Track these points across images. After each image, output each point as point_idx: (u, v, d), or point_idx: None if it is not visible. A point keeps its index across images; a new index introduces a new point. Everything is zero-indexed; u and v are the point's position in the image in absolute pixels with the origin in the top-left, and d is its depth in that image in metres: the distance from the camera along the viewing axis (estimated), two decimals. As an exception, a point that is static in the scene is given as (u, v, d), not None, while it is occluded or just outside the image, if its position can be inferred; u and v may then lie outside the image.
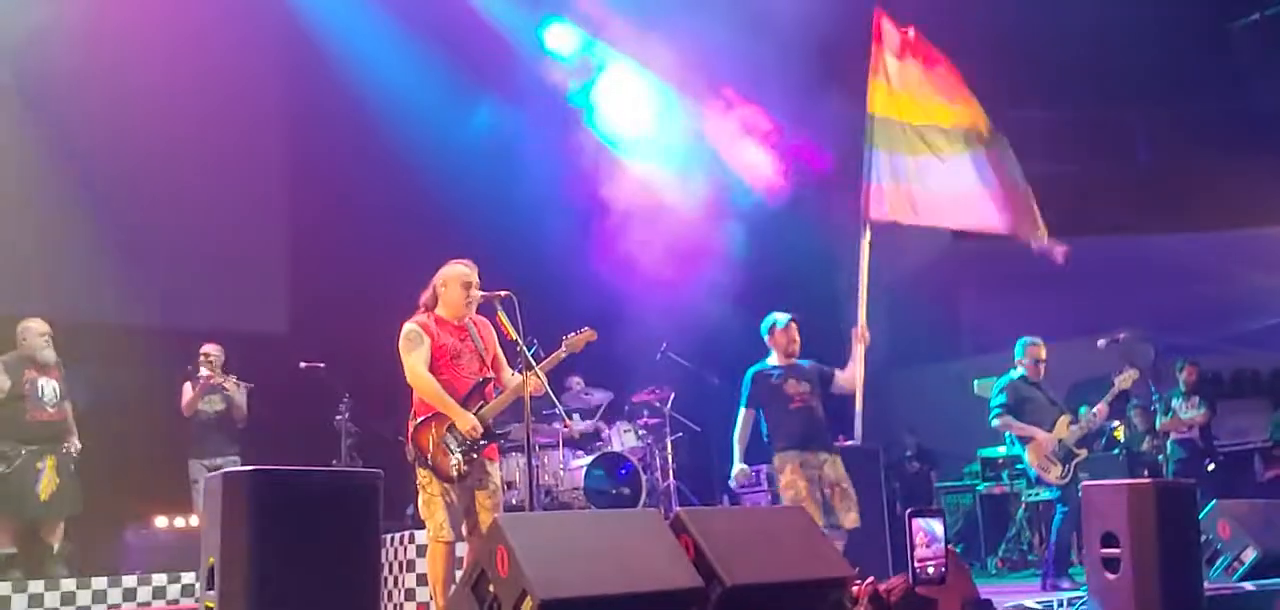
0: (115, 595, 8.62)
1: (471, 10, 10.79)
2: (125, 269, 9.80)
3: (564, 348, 6.62)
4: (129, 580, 8.72)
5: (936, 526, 4.30)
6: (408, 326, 6.44)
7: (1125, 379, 8.45)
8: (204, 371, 9.30)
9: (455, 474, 6.27)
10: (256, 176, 10.88)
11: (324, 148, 10.87)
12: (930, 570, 4.24)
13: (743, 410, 8.00)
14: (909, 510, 4.31)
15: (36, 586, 8.33)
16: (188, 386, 9.35)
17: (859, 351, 7.87)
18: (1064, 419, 8.44)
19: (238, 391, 9.47)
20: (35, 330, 8.68)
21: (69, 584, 8.45)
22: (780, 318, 8.06)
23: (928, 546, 4.26)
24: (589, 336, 6.68)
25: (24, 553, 8.63)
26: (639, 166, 11.42)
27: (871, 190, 8.48)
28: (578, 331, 6.65)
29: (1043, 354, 8.65)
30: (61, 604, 8.40)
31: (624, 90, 11.57)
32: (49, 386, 8.69)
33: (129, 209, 9.72)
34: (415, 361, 6.35)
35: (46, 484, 8.56)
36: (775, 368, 7.99)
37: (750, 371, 8.08)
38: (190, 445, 9.34)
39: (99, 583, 8.57)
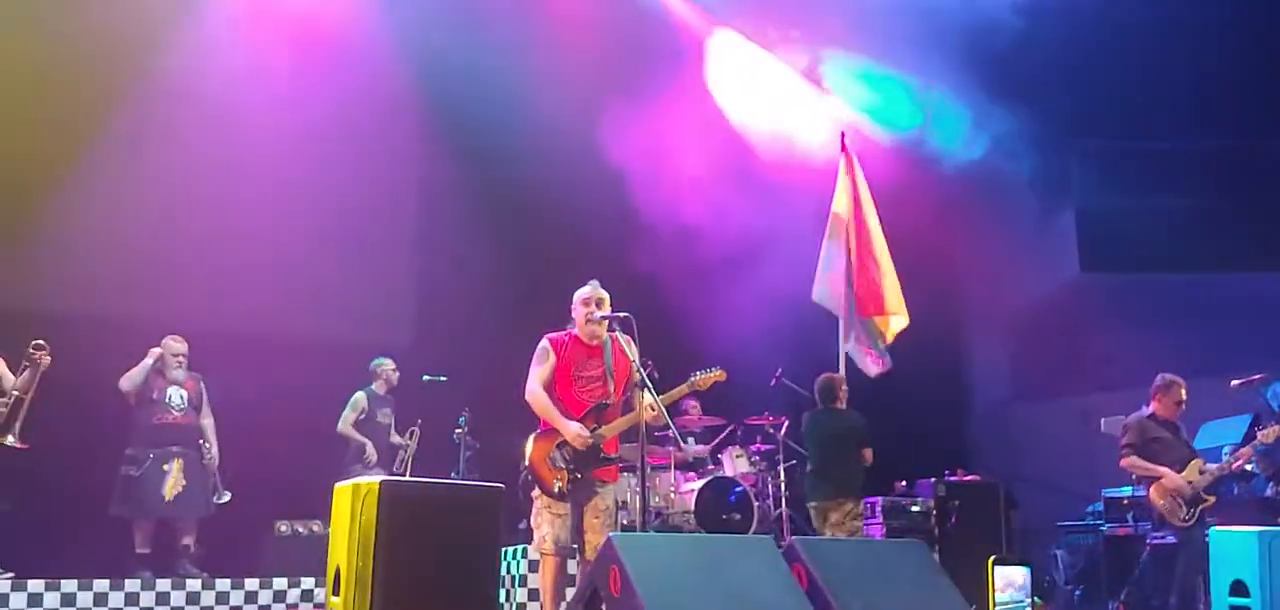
0: (237, 597, 8.88)
1: (602, 24, 10.87)
2: (268, 283, 10.10)
3: (689, 385, 6.63)
4: (251, 583, 8.97)
5: (1018, 575, 4.21)
6: (542, 343, 6.58)
7: (1269, 434, 8.15)
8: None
9: (557, 490, 6.33)
10: (389, 190, 11.12)
11: (454, 166, 11.08)
12: None
13: None
14: (992, 557, 4.22)
15: (164, 584, 8.66)
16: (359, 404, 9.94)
17: None
18: (1195, 464, 8.18)
19: (411, 443, 10.05)
20: (170, 349, 9.20)
21: (194, 584, 8.75)
22: None
23: (1003, 592, 4.17)
24: (718, 377, 6.66)
25: (155, 552, 8.99)
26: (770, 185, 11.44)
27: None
28: (707, 370, 6.64)
29: (1184, 395, 8.39)
30: (186, 603, 8.68)
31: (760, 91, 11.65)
32: (176, 394, 9.14)
33: (269, 226, 10.02)
34: (533, 377, 6.49)
35: (171, 485, 8.98)
36: None
37: None
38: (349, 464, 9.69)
39: (222, 584, 8.85)
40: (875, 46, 11.54)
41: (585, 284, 6.65)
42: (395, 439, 10.17)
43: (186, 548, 9.10)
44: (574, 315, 6.62)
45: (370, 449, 9.92)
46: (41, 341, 8.36)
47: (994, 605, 4.15)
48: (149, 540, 8.95)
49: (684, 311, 10.48)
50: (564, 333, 6.61)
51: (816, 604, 5.52)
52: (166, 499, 8.97)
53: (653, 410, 6.34)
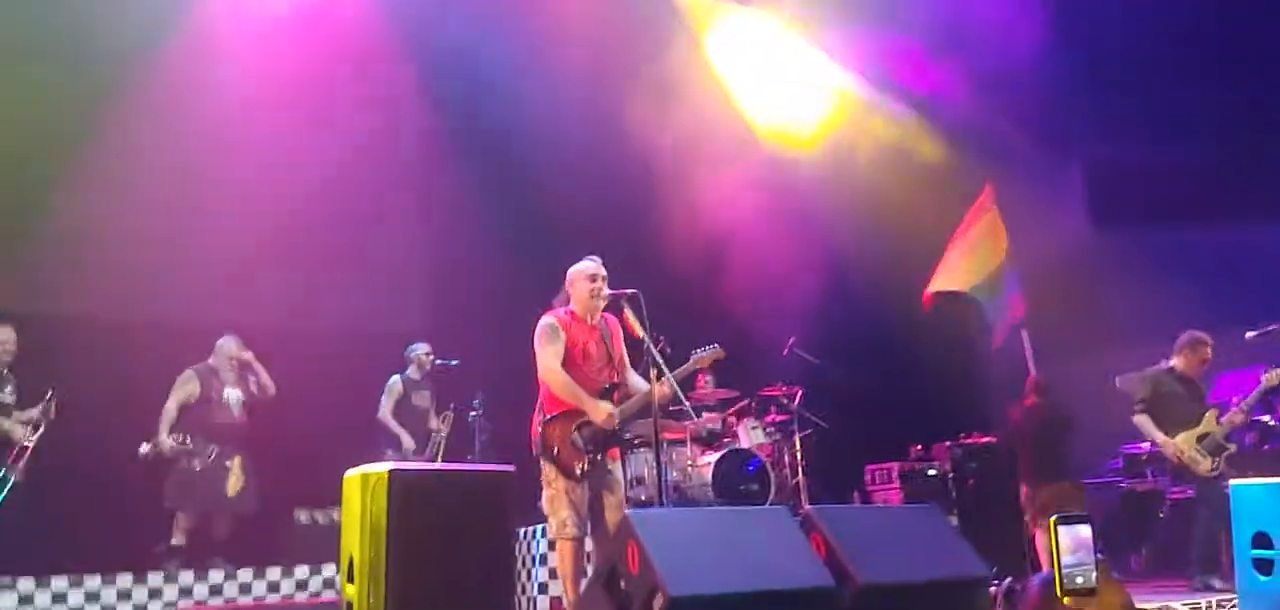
0: (260, 587, 8.94)
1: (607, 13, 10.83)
2: (279, 272, 10.13)
3: (692, 363, 6.62)
4: (273, 572, 9.02)
5: (1084, 532, 4.13)
6: (545, 320, 6.49)
7: (1273, 377, 8.11)
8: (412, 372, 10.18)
9: (579, 472, 6.31)
10: (397, 176, 11.11)
11: (461, 149, 11.06)
12: (1078, 580, 4.07)
13: None
14: (1055, 516, 4.15)
15: (187, 577, 8.76)
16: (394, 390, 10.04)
17: None
18: (1212, 414, 8.14)
19: (443, 427, 10.14)
20: (226, 352, 9.41)
21: (217, 575, 8.83)
22: None
23: (1074, 554, 4.08)
24: (718, 355, 6.71)
25: (190, 544, 9.08)
26: (775, 160, 11.40)
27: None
28: (707, 348, 6.65)
29: (1209, 353, 8.36)
30: (210, 594, 8.74)
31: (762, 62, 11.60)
32: (233, 394, 9.35)
33: (277, 215, 10.04)
34: (549, 357, 6.39)
35: (234, 482, 9.18)
36: None
37: None
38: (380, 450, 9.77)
39: (245, 574, 8.91)
40: (880, 7, 11.46)
41: (583, 259, 6.62)
42: (433, 423, 10.22)
43: (221, 542, 9.21)
44: (573, 292, 6.56)
45: (407, 439, 9.97)
46: (51, 392, 8.66)
47: (1060, 571, 4.08)
48: (187, 533, 9.05)
49: (694, 286, 10.45)
50: (562, 310, 6.55)
51: (834, 571, 5.51)
52: (231, 496, 9.17)
53: (664, 387, 6.33)
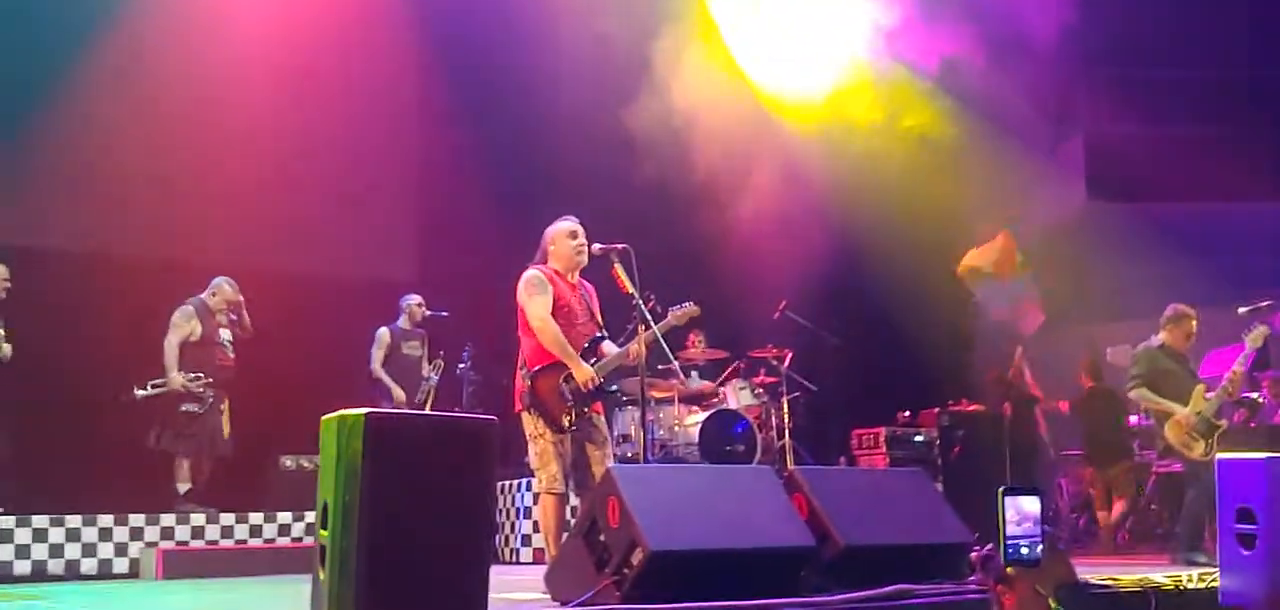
0: (242, 531, 8.94)
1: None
2: (267, 219, 10.06)
3: (669, 321, 6.60)
4: (256, 517, 9.02)
5: (1031, 505, 4.12)
6: (531, 272, 6.43)
7: (1256, 337, 8.07)
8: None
9: (566, 424, 6.28)
10: (390, 125, 11.05)
11: (455, 101, 11.00)
12: (1023, 551, 4.07)
13: None
14: (1002, 488, 4.14)
15: (169, 519, 8.72)
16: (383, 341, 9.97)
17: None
18: (1200, 389, 8.10)
19: (433, 376, 10.10)
20: (226, 294, 9.18)
21: (199, 518, 8.80)
22: None
23: (1019, 526, 4.08)
24: (692, 312, 6.70)
25: (197, 488, 9.01)
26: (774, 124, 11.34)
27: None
28: (681, 306, 6.64)
29: (1194, 327, 8.32)
30: (191, 537, 8.73)
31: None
32: (226, 335, 9.17)
33: (267, 163, 9.98)
34: (539, 306, 6.33)
35: (226, 425, 9.08)
36: None
37: None
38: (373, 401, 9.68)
39: (227, 518, 8.90)
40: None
41: (560, 219, 6.57)
42: (425, 370, 10.18)
43: (205, 485, 9.11)
44: (554, 249, 6.50)
45: (397, 391, 9.89)
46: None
47: (1004, 539, 4.08)
48: (191, 476, 8.94)
49: (686, 245, 10.40)
50: (545, 267, 6.51)
51: (816, 532, 5.50)
52: (226, 437, 9.07)
53: (648, 345, 6.31)
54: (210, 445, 8.99)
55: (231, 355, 9.16)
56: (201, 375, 8.86)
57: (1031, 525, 4.09)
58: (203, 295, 9.14)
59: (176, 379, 8.79)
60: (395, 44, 10.70)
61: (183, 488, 8.87)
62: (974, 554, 5.07)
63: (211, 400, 8.92)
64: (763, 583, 5.03)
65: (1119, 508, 10.15)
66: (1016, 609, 4.23)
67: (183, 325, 8.97)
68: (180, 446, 8.89)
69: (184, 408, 8.84)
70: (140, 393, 8.75)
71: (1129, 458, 10.36)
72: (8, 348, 8.44)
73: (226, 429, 9.08)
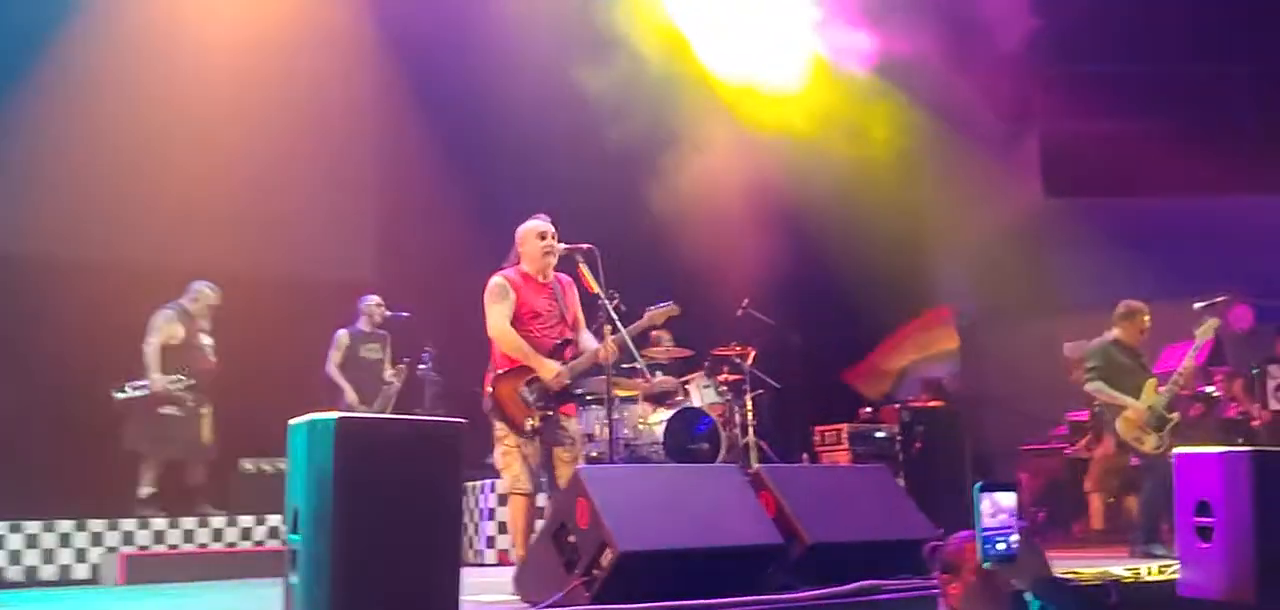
0: (204, 535, 8.88)
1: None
2: (226, 219, 9.98)
3: (646, 319, 6.59)
4: (217, 521, 8.95)
5: (1007, 499, 4.11)
6: (494, 279, 6.45)
7: (1206, 329, 8.19)
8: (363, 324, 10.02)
9: (529, 428, 6.27)
10: (345, 123, 10.96)
11: (414, 98, 10.94)
12: (999, 546, 4.08)
13: None
14: (979, 483, 4.13)
15: (129, 523, 8.64)
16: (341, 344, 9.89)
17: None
18: (1151, 383, 8.20)
19: (395, 380, 10.00)
20: (208, 299, 9.16)
21: (160, 522, 8.73)
22: None
23: (994, 518, 4.07)
24: (671, 311, 6.66)
25: (164, 492, 8.94)
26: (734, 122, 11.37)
27: None
28: (659, 305, 6.62)
29: (1147, 321, 8.42)
30: (153, 541, 8.66)
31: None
32: (207, 340, 9.16)
33: (223, 163, 9.90)
34: (497, 315, 6.35)
35: (206, 429, 9.03)
36: None
37: None
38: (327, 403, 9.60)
39: (188, 522, 8.83)
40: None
41: (531, 218, 6.57)
42: (387, 375, 10.09)
43: (196, 489, 9.10)
44: (524, 250, 6.50)
45: (350, 393, 9.82)
46: None
47: (980, 533, 4.06)
48: (155, 480, 8.88)
49: (649, 245, 10.41)
50: (512, 269, 6.51)
51: (783, 530, 5.55)
52: (204, 443, 9.04)
53: (615, 346, 6.32)
54: (189, 450, 8.96)
55: (212, 358, 9.13)
56: (183, 377, 8.82)
57: (1007, 518, 4.09)
58: (183, 300, 9.11)
59: (159, 380, 8.76)
60: (352, 40, 10.61)
61: (145, 492, 8.79)
62: (925, 547, 5.11)
63: (191, 405, 8.90)
64: (732, 581, 5.07)
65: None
66: (962, 599, 4.23)
67: (164, 328, 8.95)
68: (152, 448, 8.84)
69: (163, 410, 8.79)
70: (120, 395, 8.70)
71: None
72: None
73: (207, 434, 9.04)
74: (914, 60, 11.51)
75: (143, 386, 8.72)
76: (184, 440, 8.91)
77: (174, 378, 8.80)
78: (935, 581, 4.59)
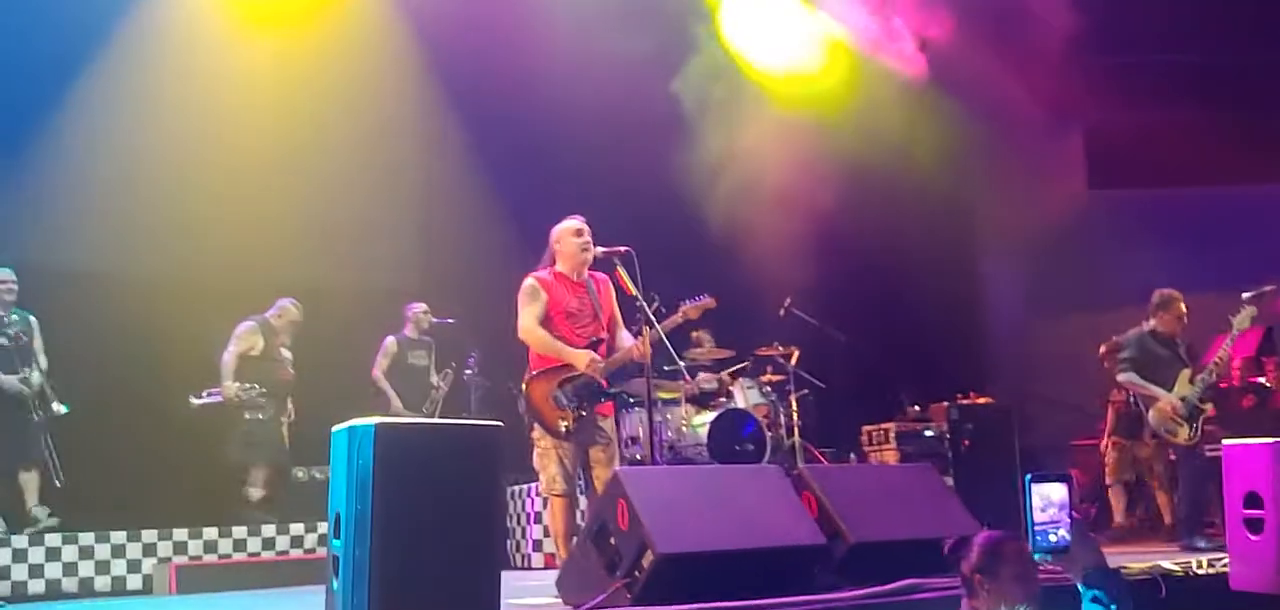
0: (255, 544, 8.93)
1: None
2: (272, 230, 10.12)
3: (681, 314, 6.60)
4: (268, 529, 9.00)
5: (1058, 491, 4.06)
6: (527, 281, 6.49)
7: (1243, 318, 8.07)
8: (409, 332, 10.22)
9: (563, 429, 6.28)
10: (389, 131, 11.07)
11: (458, 106, 11.03)
12: (1051, 538, 4.02)
13: None
14: (1029, 475, 4.09)
15: (181, 533, 8.73)
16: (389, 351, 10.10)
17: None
18: (1185, 374, 8.10)
19: (443, 385, 10.22)
20: (292, 316, 9.52)
21: (211, 532, 8.81)
22: None
23: (1044, 511, 4.02)
24: (707, 304, 6.65)
25: (272, 495, 9.29)
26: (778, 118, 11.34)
27: None
28: (695, 299, 6.62)
29: (1183, 309, 8.31)
30: (204, 551, 8.75)
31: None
32: (287, 353, 9.50)
33: (271, 174, 10.04)
34: (526, 317, 6.39)
35: (285, 435, 9.39)
36: None
37: None
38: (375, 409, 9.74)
39: (238, 531, 8.90)
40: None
41: (567, 219, 6.59)
42: (433, 380, 10.23)
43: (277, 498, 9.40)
44: (560, 249, 6.53)
45: (395, 401, 9.98)
46: None
47: (1032, 526, 4.01)
48: (265, 484, 9.21)
49: (692, 244, 10.41)
50: (546, 271, 6.53)
51: (826, 530, 5.53)
52: (287, 447, 9.37)
53: (651, 344, 6.33)
54: (275, 455, 9.31)
55: (291, 371, 9.46)
56: (255, 386, 9.07)
57: (1058, 511, 4.04)
58: (268, 314, 9.43)
59: (231, 388, 9.04)
60: (397, 53, 10.70)
61: (256, 494, 9.15)
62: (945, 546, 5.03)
63: (272, 411, 9.20)
64: (774, 582, 5.05)
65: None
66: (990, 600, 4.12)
67: (244, 338, 9.26)
68: (248, 455, 9.20)
69: (248, 415, 9.08)
70: (196, 401, 9.05)
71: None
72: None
73: (285, 439, 9.38)
74: (958, 55, 11.42)
75: (216, 394, 9.04)
76: (266, 444, 9.23)
77: (246, 386, 9.04)
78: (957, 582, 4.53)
